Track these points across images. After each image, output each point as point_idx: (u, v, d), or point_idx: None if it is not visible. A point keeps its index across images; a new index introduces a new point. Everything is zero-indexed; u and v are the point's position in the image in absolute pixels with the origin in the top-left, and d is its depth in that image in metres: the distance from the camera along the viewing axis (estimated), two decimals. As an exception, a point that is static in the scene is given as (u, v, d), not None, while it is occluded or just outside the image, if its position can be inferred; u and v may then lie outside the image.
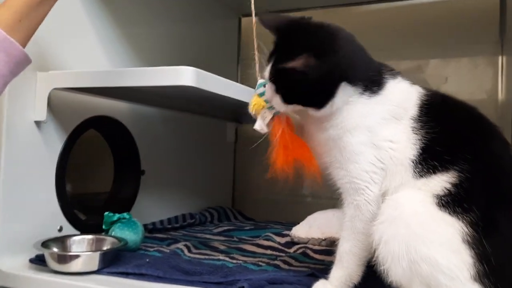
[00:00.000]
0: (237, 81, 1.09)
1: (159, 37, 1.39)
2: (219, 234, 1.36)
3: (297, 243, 1.18)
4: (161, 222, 1.39)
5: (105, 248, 0.99)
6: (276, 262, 1.00)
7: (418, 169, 0.69)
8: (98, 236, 1.03)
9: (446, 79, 1.54)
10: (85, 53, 1.14)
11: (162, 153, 1.43)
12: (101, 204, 1.28)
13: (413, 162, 0.70)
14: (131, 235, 1.06)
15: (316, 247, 1.13)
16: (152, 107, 1.37)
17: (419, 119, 0.72)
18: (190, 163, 1.56)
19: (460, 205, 0.64)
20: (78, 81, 0.97)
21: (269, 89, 0.76)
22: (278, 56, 0.74)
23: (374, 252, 0.72)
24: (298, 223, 1.59)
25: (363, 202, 0.74)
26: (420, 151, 0.70)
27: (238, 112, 1.70)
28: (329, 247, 1.14)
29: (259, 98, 0.79)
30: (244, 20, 1.85)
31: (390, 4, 1.62)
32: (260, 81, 0.80)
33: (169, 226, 1.37)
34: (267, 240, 1.20)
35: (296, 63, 0.68)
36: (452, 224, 0.64)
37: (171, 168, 1.48)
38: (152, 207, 1.38)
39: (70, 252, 0.97)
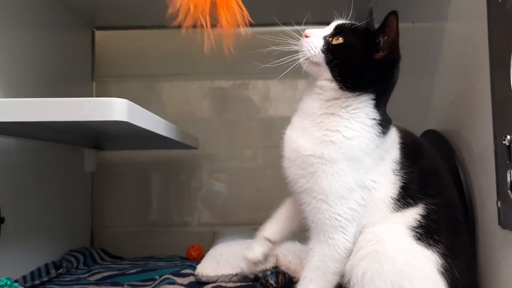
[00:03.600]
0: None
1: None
2: (102, 283, 1.17)
3: (205, 283, 1.10)
4: (24, 278, 1.12)
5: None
6: (202, 310, 0.91)
7: (396, 205, 0.72)
8: (-25, 318, 0.76)
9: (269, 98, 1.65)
10: None
11: (21, 193, 1.16)
12: None
13: (392, 199, 0.72)
14: (17, 307, 0.82)
15: (229, 285, 1.07)
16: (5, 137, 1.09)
17: (399, 161, 0.74)
18: (46, 201, 1.30)
19: (431, 236, 0.69)
20: None
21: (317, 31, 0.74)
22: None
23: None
24: (176, 255, 1.50)
25: (341, 241, 0.72)
26: (400, 190, 0.72)
27: (99, 138, 1.50)
28: (241, 282, 1.10)
29: None
30: (98, 33, 1.64)
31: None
32: None
33: (38, 283, 1.11)
34: (172, 284, 1.09)
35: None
36: (429, 257, 0.68)
37: (30, 210, 1.21)
38: (10, 262, 1.10)
39: None
